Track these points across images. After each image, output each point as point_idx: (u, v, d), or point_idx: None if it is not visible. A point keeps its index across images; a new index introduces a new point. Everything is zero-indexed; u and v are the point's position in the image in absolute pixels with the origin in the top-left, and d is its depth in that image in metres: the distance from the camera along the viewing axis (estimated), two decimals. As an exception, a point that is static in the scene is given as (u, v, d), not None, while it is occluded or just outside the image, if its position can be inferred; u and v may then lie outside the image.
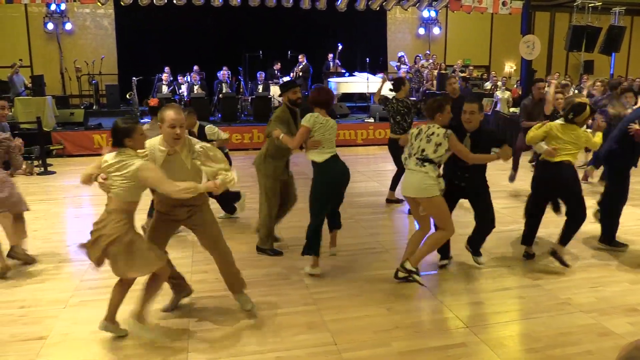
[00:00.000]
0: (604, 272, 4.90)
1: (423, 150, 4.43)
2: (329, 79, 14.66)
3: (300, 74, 14.21)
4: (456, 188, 4.72)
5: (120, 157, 3.39)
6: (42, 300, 4.34)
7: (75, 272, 4.90)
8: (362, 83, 14.28)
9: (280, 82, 13.82)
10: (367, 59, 14.88)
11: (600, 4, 13.37)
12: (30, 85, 12.81)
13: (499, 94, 12.11)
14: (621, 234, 5.56)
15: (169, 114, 3.52)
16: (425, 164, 4.41)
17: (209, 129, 6.08)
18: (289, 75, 14.22)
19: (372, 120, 13.26)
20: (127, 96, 12.88)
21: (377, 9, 13.76)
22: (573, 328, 3.86)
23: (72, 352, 3.55)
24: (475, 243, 5.00)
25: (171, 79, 13.68)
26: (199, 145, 3.72)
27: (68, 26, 15.26)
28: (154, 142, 3.63)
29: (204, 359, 3.46)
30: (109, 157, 3.43)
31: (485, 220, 4.83)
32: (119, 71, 15.64)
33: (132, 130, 3.39)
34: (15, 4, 13.31)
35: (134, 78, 13.06)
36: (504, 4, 13.36)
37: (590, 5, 13.29)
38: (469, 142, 4.61)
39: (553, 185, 4.91)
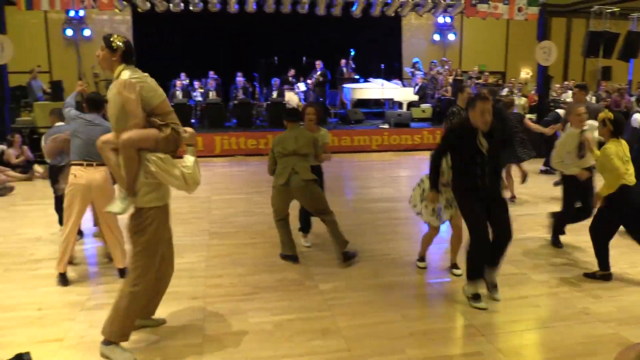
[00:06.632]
0: (621, 282, 4.83)
1: None
2: (343, 85, 14.67)
3: (321, 79, 14.22)
4: None
5: None
6: (59, 302, 4.39)
7: (92, 275, 4.96)
8: (376, 89, 14.26)
9: (296, 88, 13.87)
10: (382, 65, 14.87)
11: (617, 9, 13.21)
12: (49, 90, 12.99)
13: (515, 100, 12.00)
14: None
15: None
16: None
17: None
18: (306, 81, 14.23)
19: (386, 126, 13.23)
20: (144, 101, 12.99)
21: (393, 15, 13.74)
22: (590, 338, 3.81)
23: (88, 355, 3.58)
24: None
25: (186, 84, 13.77)
26: None
27: (86, 32, 15.43)
28: None
29: (218, 363, 3.47)
30: None
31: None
32: (136, 77, 15.75)
33: None
34: (34, 11, 13.49)
35: (150, 84, 13.16)
36: (519, 9, 13.25)
37: (607, 10, 13.13)
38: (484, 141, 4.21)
39: None
